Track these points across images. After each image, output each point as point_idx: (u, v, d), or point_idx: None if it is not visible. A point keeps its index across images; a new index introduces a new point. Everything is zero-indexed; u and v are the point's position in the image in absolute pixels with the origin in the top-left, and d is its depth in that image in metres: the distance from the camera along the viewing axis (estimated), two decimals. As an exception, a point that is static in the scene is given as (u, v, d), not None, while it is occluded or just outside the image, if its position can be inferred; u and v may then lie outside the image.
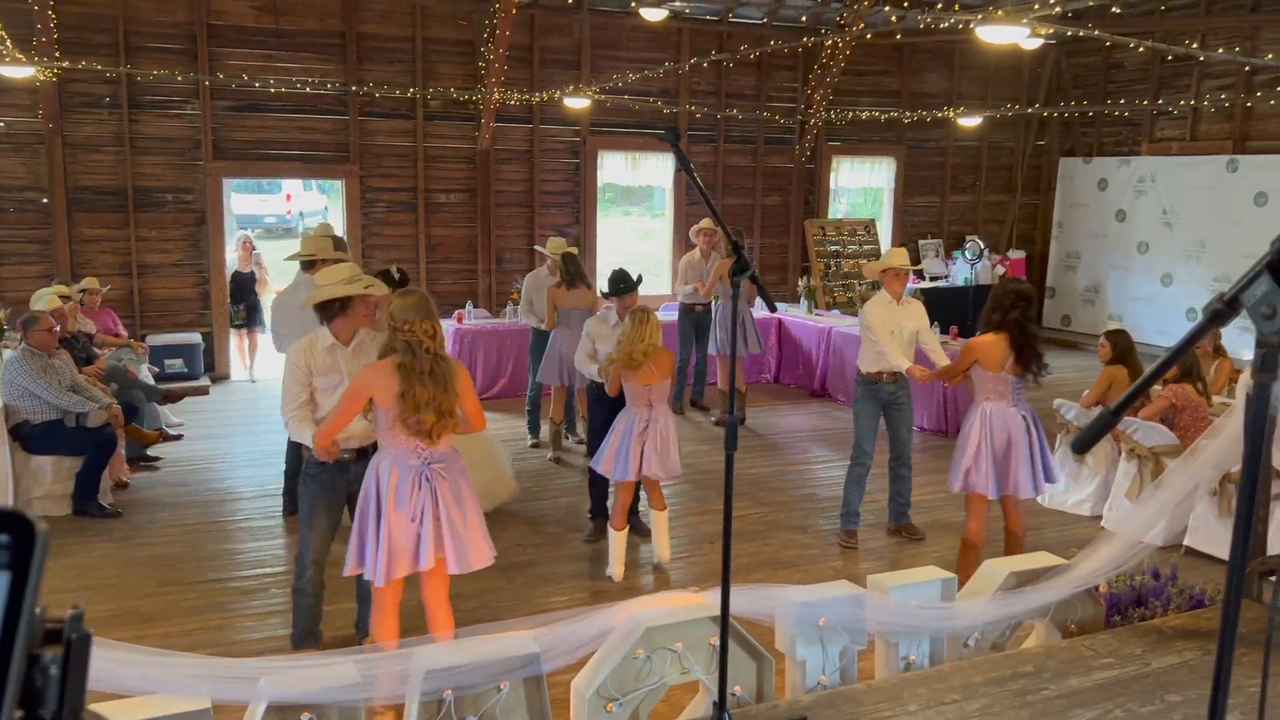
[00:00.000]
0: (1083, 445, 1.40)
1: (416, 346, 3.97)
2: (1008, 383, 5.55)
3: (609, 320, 6.53)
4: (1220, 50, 11.57)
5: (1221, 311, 1.16)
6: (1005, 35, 5.76)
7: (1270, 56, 9.88)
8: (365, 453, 4.55)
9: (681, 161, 2.58)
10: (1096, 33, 6.96)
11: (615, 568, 6.05)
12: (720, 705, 3.00)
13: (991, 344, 5.52)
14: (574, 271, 8.12)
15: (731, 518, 2.95)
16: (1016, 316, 5.56)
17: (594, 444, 6.67)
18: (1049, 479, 5.70)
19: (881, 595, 3.61)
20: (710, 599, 3.40)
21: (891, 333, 6.39)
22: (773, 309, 3.26)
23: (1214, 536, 6.31)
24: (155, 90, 10.67)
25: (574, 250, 8.46)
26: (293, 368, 4.50)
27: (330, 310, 4.53)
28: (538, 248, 8.86)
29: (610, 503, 6.54)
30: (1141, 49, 8.47)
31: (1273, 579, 4.00)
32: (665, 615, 3.34)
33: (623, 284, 6.50)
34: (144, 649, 2.66)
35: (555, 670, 3.15)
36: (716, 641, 3.30)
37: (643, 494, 6.51)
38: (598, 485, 6.74)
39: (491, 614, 5.56)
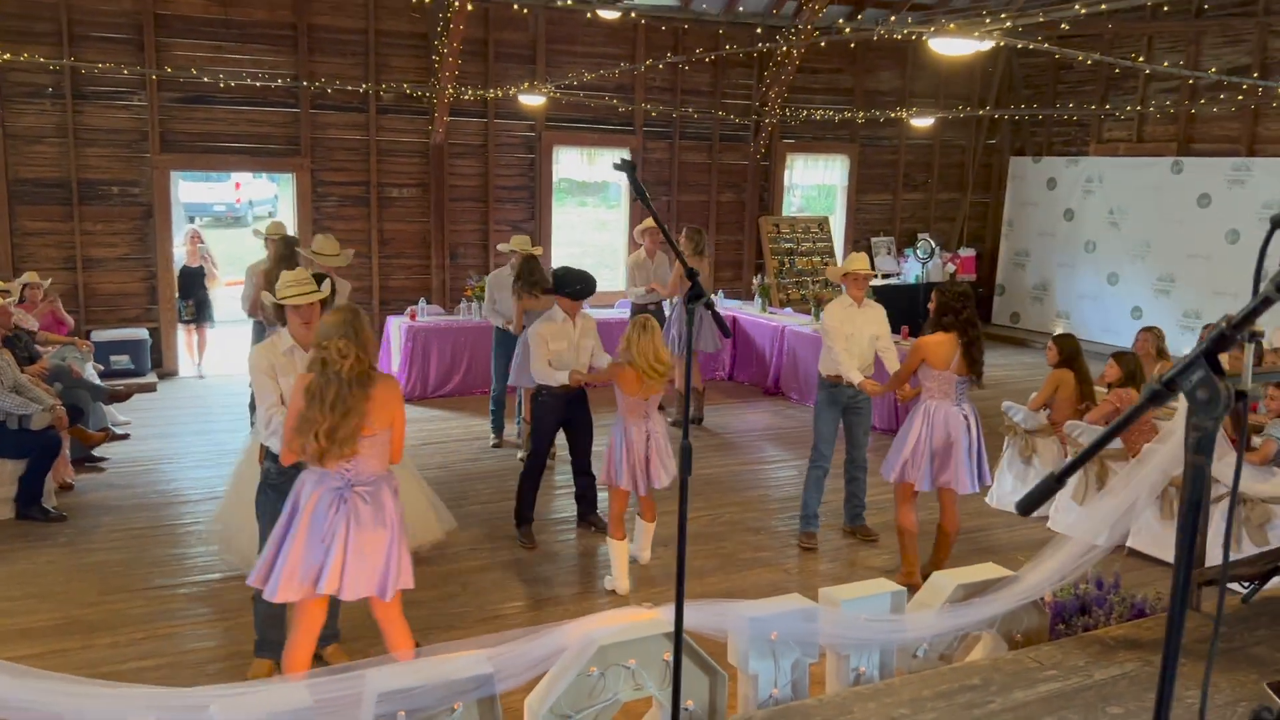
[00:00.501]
0: (1027, 508, 1.44)
1: (327, 365, 3.89)
2: (952, 381, 5.78)
3: (557, 318, 6.43)
4: (1165, 64, 11.82)
5: (1160, 392, 1.19)
6: (957, 48, 5.85)
7: (1214, 70, 10.10)
8: None
9: (638, 191, 2.58)
10: (1046, 45, 7.07)
11: (621, 581, 5.90)
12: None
13: (939, 343, 5.74)
14: (535, 279, 8.00)
15: (685, 538, 2.97)
16: (968, 316, 5.74)
17: (540, 450, 6.65)
18: (982, 479, 5.95)
19: (833, 609, 3.66)
20: (664, 615, 3.42)
21: (849, 336, 6.47)
22: (727, 335, 3.27)
23: (1156, 539, 6.46)
24: (100, 81, 10.44)
25: (537, 252, 8.38)
26: (255, 369, 4.47)
27: (283, 314, 4.54)
28: (501, 246, 8.77)
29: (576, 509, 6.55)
30: (1088, 60, 8.64)
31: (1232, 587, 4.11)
32: (619, 632, 3.36)
33: (580, 285, 6.43)
34: (90, 681, 2.63)
35: (509, 690, 3.15)
36: (669, 657, 3.33)
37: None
38: (531, 490, 6.72)
39: (445, 620, 5.56)
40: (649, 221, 10.02)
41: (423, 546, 6.44)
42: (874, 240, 14.98)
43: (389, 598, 4.09)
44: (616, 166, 2.68)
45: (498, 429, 8.97)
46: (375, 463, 4.04)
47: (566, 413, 6.57)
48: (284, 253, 7.80)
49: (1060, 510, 7.18)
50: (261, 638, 4.88)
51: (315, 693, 2.86)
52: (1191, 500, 1.11)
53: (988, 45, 6.15)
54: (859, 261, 6.66)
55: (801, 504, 6.81)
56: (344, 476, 3.98)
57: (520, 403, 8.53)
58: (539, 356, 6.35)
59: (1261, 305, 1.09)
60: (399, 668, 3.01)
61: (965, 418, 5.84)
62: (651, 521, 6.22)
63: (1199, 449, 1.09)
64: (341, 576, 3.98)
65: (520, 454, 8.49)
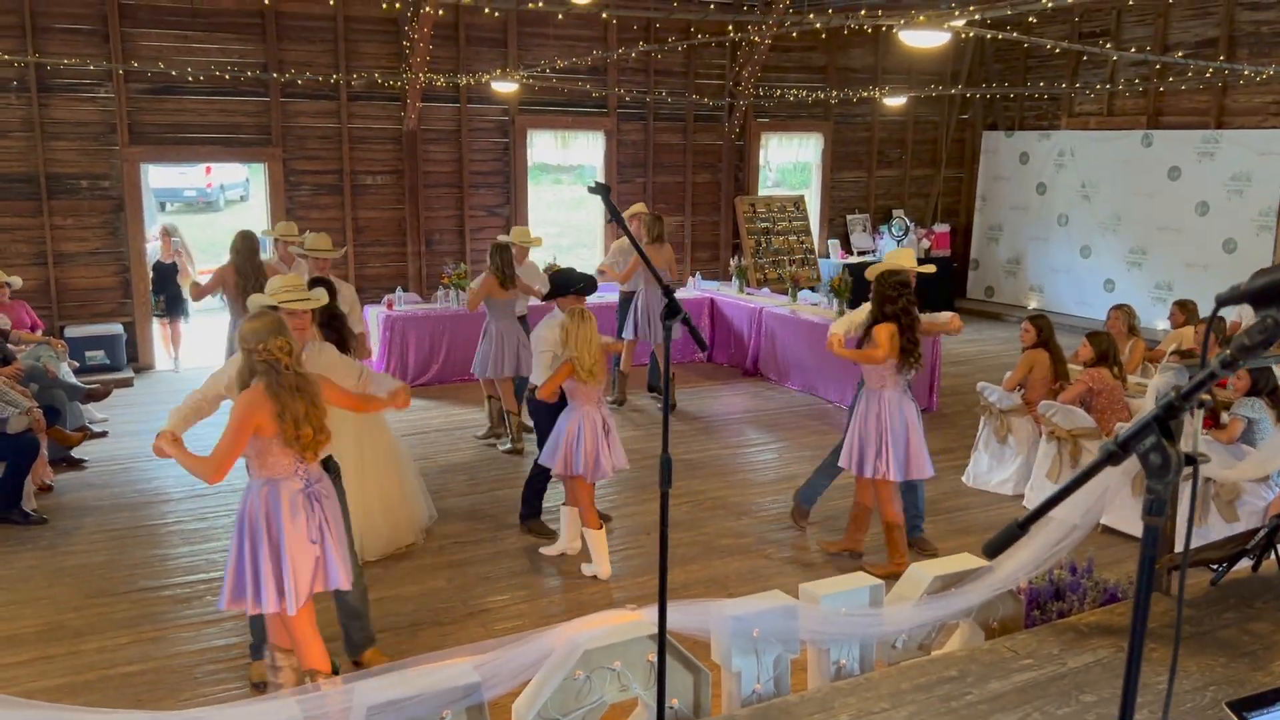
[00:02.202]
0: (993, 551, 1.48)
1: (276, 364, 3.94)
2: (894, 369, 5.80)
3: (558, 317, 6.25)
4: (1133, 49, 11.88)
5: (1115, 453, 1.24)
6: (926, 39, 5.88)
7: (1180, 54, 10.17)
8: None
9: (612, 213, 2.60)
10: (1015, 35, 7.11)
11: (602, 565, 6.01)
12: (659, 727, 3.08)
13: (892, 334, 5.74)
14: (508, 270, 8.05)
15: (667, 545, 3.02)
16: (904, 304, 5.79)
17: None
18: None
19: (813, 605, 3.72)
20: (647, 617, 3.47)
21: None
22: (703, 348, 3.31)
23: (1128, 515, 6.57)
24: (66, 73, 10.31)
25: (536, 244, 8.40)
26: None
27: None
28: (502, 237, 8.76)
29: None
30: (1056, 48, 8.70)
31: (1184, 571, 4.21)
32: (603, 635, 3.41)
33: (584, 284, 6.26)
34: (71, 709, 2.65)
35: (497, 696, 3.20)
36: (654, 658, 3.38)
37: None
38: (539, 490, 6.74)
39: (431, 615, 5.60)
40: (637, 207, 10.04)
41: (416, 543, 6.52)
42: (849, 218, 15.04)
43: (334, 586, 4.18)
44: (591, 190, 2.70)
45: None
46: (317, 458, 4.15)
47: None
48: (240, 246, 7.85)
49: (1035, 489, 7.29)
50: (258, 640, 4.91)
51: (305, 708, 2.90)
52: (1145, 559, 1.16)
53: (954, 31, 6.18)
54: (906, 258, 6.20)
55: (810, 484, 6.84)
56: (301, 476, 4.03)
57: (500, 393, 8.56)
58: (540, 362, 6.20)
59: (1208, 379, 1.14)
60: (387, 679, 3.05)
61: (914, 405, 6.01)
62: (599, 529, 6.10)
63: (1152, 511, 1.14)
64: (343, 568, 4.11)
65: (503, 445, 8.53)
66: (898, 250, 6.39)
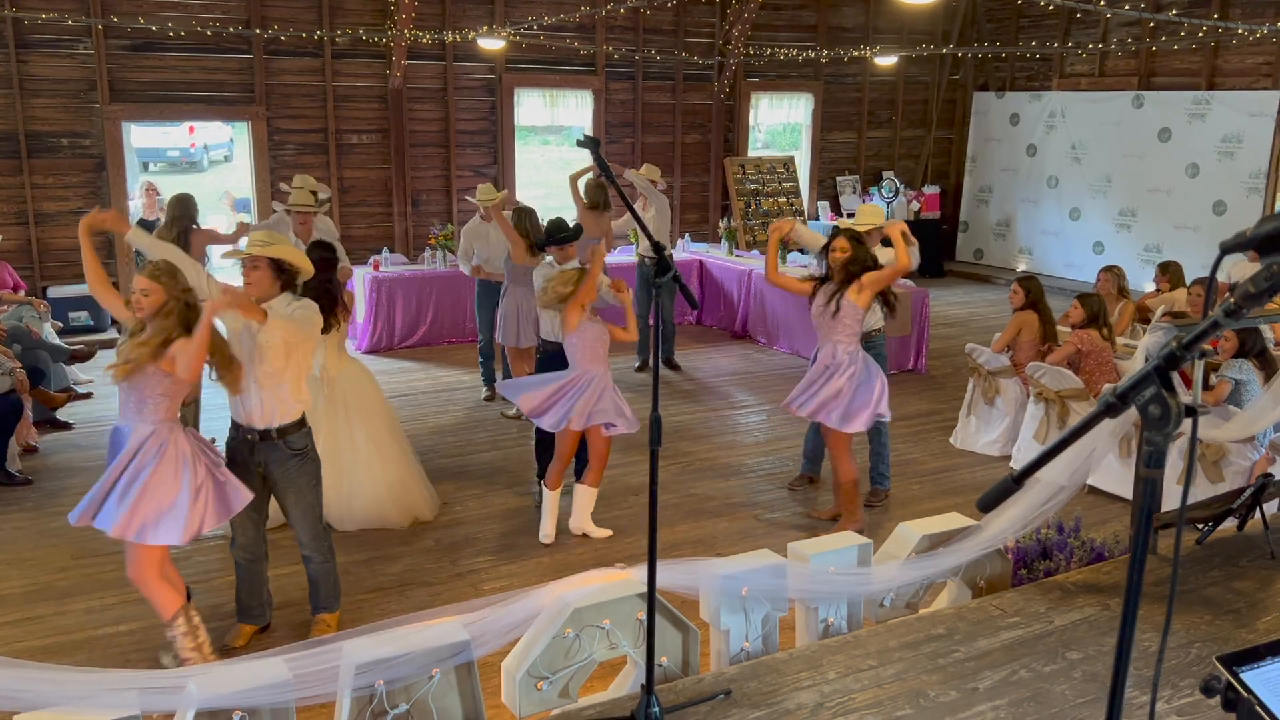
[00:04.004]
0: (987, 505, 1.47)
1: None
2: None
3: (555, 267, 6.26)
4: (1126, 7, 11.78)
5: (1114, 405, 1.22)
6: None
7: (1174, 12, 10.08)
8: (268, 434, 4.53)
9: (602, 167, 2.56)
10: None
11: (546, 525, 6.06)
12: (648, 686, 3.08)
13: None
14: (537, 235, 7.81)
15: (656, 505, 3.01)
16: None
17: None
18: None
19: (802, 564, 3.73)
20: (636, 576, 3.47)
21: None
22: (695, 306, 3.28)
23: (1115, 477, 6.61)
24: (44, 29, 10.12)
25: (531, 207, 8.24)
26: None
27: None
28: (469, 197, 8.64)
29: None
30: (1050, 5, 8.67)
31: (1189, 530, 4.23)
32: (593, 594, 3.41)
33: (563, 234, 6.33)
34: (60, 668, 2.64)
35: (486, 655, 3.20)
36: (643, 616, 3.39)
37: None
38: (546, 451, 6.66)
39: (419, 576, 5.60)
40: (647, 168, 9.91)
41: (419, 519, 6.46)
42: (839, 179, 14.97)
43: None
44: (580, 143, 2.65)
45: (488, 380, 8.83)
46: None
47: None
48: (176, 214, 7.55)
49: (1023, 450, 7.31)
50: (241, 604, 4.91)
51: (293, 666, 2.89)
52: (1144, 511, 1.14)
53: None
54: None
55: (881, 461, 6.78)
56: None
57: (506, 359, 8.39)
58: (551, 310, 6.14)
59: (1210, 328, 1.12)
60: (376, 638, 3.04)
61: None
62: (594, 486, 6.09)
63: (1151, 464, 1.12)
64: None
65: (511, 410, 8.47)
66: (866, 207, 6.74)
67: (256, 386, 4.50)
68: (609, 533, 6.11)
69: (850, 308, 5.78)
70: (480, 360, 8.91)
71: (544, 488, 6.07)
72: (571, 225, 6.58)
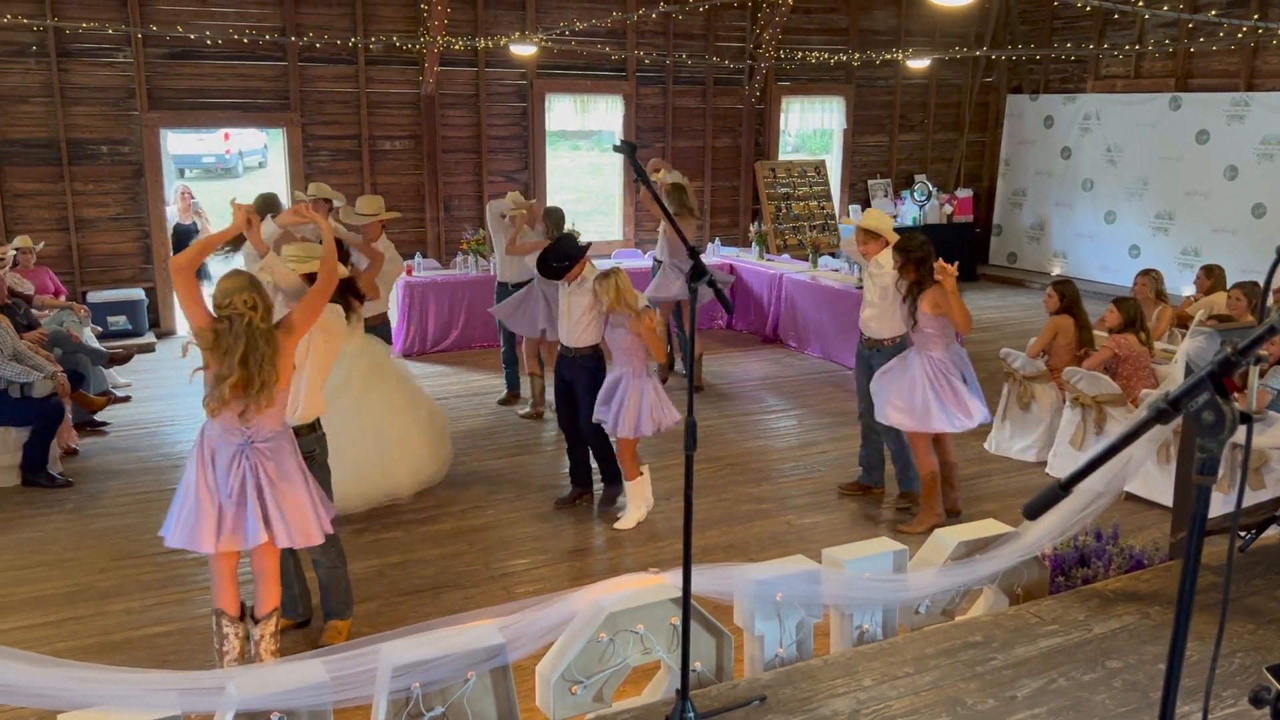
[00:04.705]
0: (1034, 512, 1.46)
1: (235, 320, 3.92)
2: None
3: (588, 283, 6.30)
4: (1164, 8, 11.64)
5: (1166, 411, 1.21)
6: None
7: (1213, 12, 9.94)
8: (297, 429, 4.53)
9: (637, 172, 2.57)
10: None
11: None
12: (683, 691, 3.08)
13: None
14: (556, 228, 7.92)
15: (691, 510, 3.00)
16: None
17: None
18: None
19: (836, 570, 3.71)
20: (670, 580, 3.47)
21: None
22: (729, 311, 3.27)
23: (1153, 483, 6.52)
24: (84, 38, 10.28)
25: (532, 204, 8.33)
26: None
27: None
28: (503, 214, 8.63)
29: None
30: (1086, 6, 8.56)
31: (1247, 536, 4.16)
32: (627, 599, 3.41)
33: (568, 260, 6.31)
34: (102, 668, 2.67)
35: (521, 658, 3.21)
36: (677, 621, 3.38)
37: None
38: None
39: (453, 579, 5.63)
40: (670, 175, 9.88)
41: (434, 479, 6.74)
42: (871, 183, 14.89)
43: (299, 545, 4.19)
44: (616, 149, 2.65)
45: (512, 385, 8.92)
46: (270, 419, 4.06)
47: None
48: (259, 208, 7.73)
49: (1059, 456, 7.24)
50: (285, 600, 4.95)
51: (332, 669, 2.92)
52: (1198, 517, 1.13)
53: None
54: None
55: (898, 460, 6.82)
56: (244, 433, 3.99)
57: (524, 358, 8.52)
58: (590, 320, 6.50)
59: (1267, 334, 1.10)
60: (413, 640, 3.06)
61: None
62: (631, 480, 6.30)
63: (1204, 470, 1.11)
64: (269, 529, 4.04)
65: (522, 410, 8.54)
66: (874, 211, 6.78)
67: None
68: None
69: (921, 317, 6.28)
70: (505, 367, 8.99)
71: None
72: (579, 242, 6.61)
